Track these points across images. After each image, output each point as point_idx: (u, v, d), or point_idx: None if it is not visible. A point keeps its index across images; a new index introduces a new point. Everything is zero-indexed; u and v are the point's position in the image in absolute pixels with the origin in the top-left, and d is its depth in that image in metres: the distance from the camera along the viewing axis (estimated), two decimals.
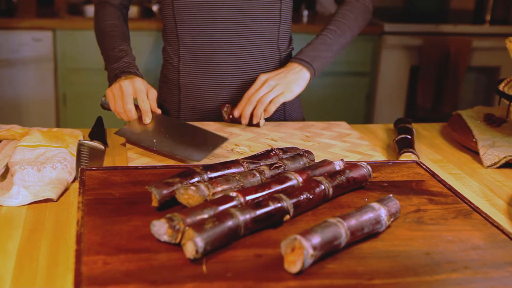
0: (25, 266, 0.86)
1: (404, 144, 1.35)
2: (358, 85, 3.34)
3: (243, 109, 1.41)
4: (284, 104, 1.57)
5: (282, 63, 1.57)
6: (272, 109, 1.40)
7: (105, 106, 1.43)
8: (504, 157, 1.30)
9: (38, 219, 0.99)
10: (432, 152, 1.41)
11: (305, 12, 3.35)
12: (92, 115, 3.31)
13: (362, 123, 3.39)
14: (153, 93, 1.38)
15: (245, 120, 1.42)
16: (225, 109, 1.47)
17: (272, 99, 1.40)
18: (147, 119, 1.33)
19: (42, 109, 3.07)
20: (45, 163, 1.13)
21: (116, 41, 1.48)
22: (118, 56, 1.44)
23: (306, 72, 1.44)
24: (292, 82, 1.42)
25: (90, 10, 3.38)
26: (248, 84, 1.50)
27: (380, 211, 0.90)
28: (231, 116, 1.46)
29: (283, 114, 1.60)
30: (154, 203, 0.94)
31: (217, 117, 1.53)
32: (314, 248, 0.79)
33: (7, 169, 1.14)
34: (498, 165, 1.31)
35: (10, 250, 0.90)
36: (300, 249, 0.79)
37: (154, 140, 1.25)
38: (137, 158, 1.22)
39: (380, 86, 3.34)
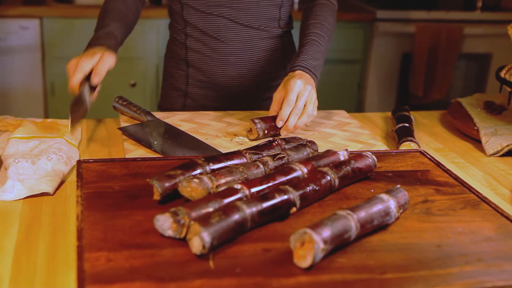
0: (23, 263, 0.83)
1: (404, 133, 1.33)
2: (350, 72, 3.32)
3: (290, 117, 1.27)
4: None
5: (283, 41, 1.57)
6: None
7: (117, 109, 1.39)
8: (507, 145, 1.28)
9: (35, 213, 0.96)
10: (433, 141, 1.38)
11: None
12: None
13: (354, 110, 3.38)
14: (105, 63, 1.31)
15: (282, 123, 1.28)
16: (259, 125, 1.26)
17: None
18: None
19: (30, 99, 3.01)
20: (40, 155, 1.09)
21: (106, 21, 1.44)
22: (99, 34, 1.41)
23: (313, 82, 1.33)
24: (315, 102, 1.30)
25: None
26: (253, 61, 1.52)
27: (389, 203, 0.88)
28: (265, 132, 1.26)
29: None
30: (156, 196, 0.91)
31: (224, 89, 1.54)
32: (325, 242, 0.77)
33: (0, 162, 1.10)
34: (500, 153, 1.29)
35: (7, 247, 0.86)
36: (310, 243, 0.76)
37: (155, 142, 1.21)
38: (134, 150, 1.19)
39: (371, 73, 3.31)
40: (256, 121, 1.26)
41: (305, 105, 1.26)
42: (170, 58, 1.62)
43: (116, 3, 1.47)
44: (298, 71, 1.33)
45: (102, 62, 1.28)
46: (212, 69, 1.53)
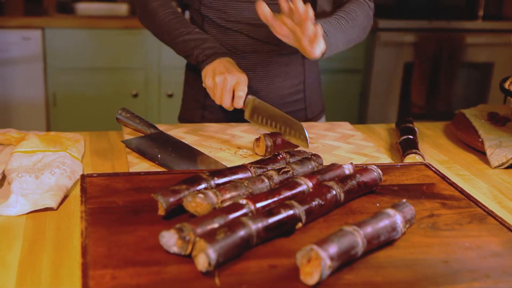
0: (27, 279, 0.82)
1: (408, 145, 1.32)
2: (352, 82, 3.32)
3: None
4: (304, 93, 1.57)
5: (303, 56, 1.47)
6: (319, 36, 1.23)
7: (121, 121, 1.38)
8: None
9: (38, 228, 0.95)
10: (437, 153, 1.38)
11: None
12: (82, 115, 3.28)
13: (356, 120, 3.38)
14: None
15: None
16: (268, 142, 1.24)
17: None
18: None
19: (32, 109, 3.01)
20: (43, 170, 1.09)
21: (187, 25, 1.45)
22: (200, 38, 1.42)
23: (322, 41, 1.25)
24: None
25: (79, 8, 3.34)
26: (272, 76, 1.51)
27: (396, 218, 0.87)
28: (274, 148, 1.24)
29: (304, 103, 1.58)
30: (161, 212, 0.90)
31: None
32: (332, 258, 0.76)
33: (3, 177, 1.10)
34: (505, 165, 1.29)
35: (11, 263, 0.86)
36: (317, 260, 0.76)
37: (159, 156, 1.21)
38: (138, 163, 1.18)
39: (373, 83, 3.32)
40: (267, 137, 1.24)
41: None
42: (190, 70, 1.62)
43: (167, 5, 1.48)
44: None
45: (243, 85, 1.31)
46: None
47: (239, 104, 1.29)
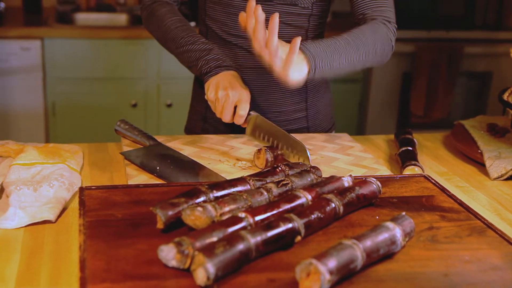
0: None
1: (408, 156, 1.32)
2: (351, 91, 3.33)
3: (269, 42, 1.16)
4: (307, 112, 1.54)
5: (307, 84, 1.47)
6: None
7: (119, 132, 1.38)
8: (511, 169, 1.28)
9: (37, 242, 0.95)
10: (437, 164, 1.38)
11: None
12: (82, 125, 3.28)
13: (354, 130, 3.38)
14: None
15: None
16: (269, 157, 1.23)
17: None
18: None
19: (31, 119, 3.01)
20: (42, 182, 1.08)
21: (193, 34, 1.42)
22: (205, 49, 1.39)
23: (305, 65, 1.22)
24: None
25: (78, 18, 3.34)
26: (270, 92, 1.49)
27: (395, 231, 0.87)
28: (275, 161, 1.24)
29: (306, 121, 1.56)
30: (159, 225, 0.90)
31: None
32: (331, 272, 0.76)
33: (2, 189, 1.09)
34: (505, 177, 1.29)
35: (9, 277, 0.85)
36: (316, 274, 0.75)
37: (158, 168, 1.20)
38: (137, 175, 1.18)
39: (372, 92, 3.32)
40: (267, 150, 1.24)
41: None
42: (195, 81, 1.61)
43: (175, 13, 1.47)
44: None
45: (245, 102, 1.29)
46: None
47: (239, 122, 1.28)
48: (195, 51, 1.40)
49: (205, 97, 1.34)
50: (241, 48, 1.46)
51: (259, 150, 1.25)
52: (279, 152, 1.25)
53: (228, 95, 1.28)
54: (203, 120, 1.58)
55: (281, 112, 1.52)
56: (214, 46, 1.41)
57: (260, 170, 1.14)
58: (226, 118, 1.28)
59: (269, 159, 1.23)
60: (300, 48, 1.21)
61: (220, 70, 1.35)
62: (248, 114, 1.29)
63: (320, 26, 1.50)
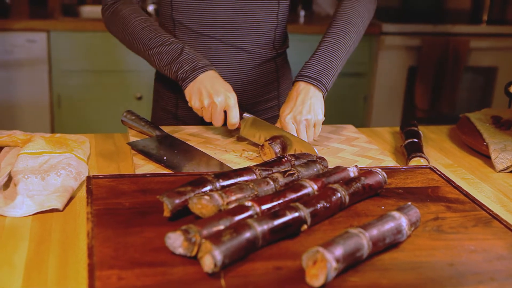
0: (33, 280, 0.82)
1: (413, 148, 1.32)
2: (356, 85, 3.32)
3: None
4: (278, 100, 1.59)
5: (277, 63, 1.55)
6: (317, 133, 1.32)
7: (126, 123, 1.38)
8: None
9: (44, 230, 0.96)
10: (442, 156, 1.38)
11: (302, 13, 3.32)
12: (87, 118, 3.27)
13: (360, 123, 3.38)
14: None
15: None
16: (276, 149, 1.23)
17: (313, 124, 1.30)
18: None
19: (37, 112, 3.02)
20: (49, 171, 1.09)
21: (162, 34, 1.38)
22: (176, 49, 1.35)
23: (316, 91, 1.30)
24: (312, 107, 1.29)
25: (84, 10, 3.35)
26: (245, 83, 1.50)
27: (401, 220, 0.87)
28: (281, 153, 1.24)
29: (278, 110, 1.57)
30: (166, 213, 0.90)
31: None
32: (337, 260, 0.76)
33: (10, 178, 1.10)
34: (510, 169, 1.29)
35: (17, 264, 0.86)
36: (322, 262, 0.76)
37: (165, 157, 1.21)
38: (144, 165, 1.18)
39: (378, 86, 3.32)
40: (272, 143, 1.24)
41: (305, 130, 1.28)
42: (160, 79, 1.58)
43: (140, 12, 1.43)
44: (296, 84, 1.31)
45: (234, 108, 1.30)
46: None
47: (233, 128, 1.31)
48: (166, 53, 1.35)
49: (189, 104, 1.32)
50: (213, 39, 1.45)
51: (262, 146, 1.25)
52: (276, 136, 1.26)
53: (215, 103, 1.27)
54: (174, 119, 1.56)
55: (255, 102, 1.54)
56: (184, 44, 1.37)
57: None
58: (218, 124, 1.30)
59: (277, 151, 1.23)
60: (303, 79, 1.30)
61: (197, 74, 1.31)
62: (241, 117, 1.31)
63: (288, 8, 1.53)
